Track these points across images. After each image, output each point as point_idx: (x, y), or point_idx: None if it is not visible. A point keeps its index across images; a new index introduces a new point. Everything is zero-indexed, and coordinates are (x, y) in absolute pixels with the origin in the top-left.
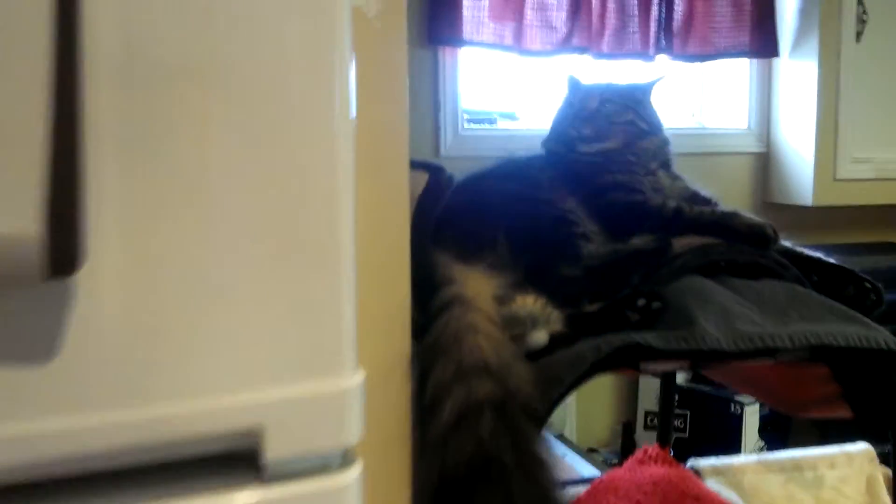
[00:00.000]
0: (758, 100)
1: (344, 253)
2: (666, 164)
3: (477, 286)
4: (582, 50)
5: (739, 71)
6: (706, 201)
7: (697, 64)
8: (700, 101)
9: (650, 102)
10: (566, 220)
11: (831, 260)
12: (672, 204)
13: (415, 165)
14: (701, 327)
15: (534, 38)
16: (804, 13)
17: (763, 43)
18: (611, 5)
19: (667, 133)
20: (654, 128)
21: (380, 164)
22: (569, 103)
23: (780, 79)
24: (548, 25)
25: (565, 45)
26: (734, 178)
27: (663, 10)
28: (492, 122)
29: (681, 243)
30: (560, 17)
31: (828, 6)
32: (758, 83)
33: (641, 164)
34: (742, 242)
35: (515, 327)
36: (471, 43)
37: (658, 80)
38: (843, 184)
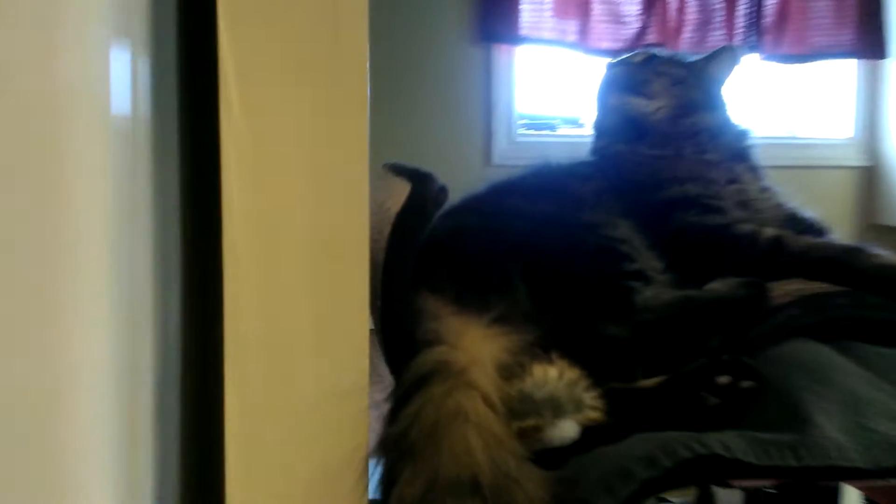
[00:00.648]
0: (865, 107)
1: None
2: (752, 168)
3: (475, 348)
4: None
5: (843, 75)
6: (812, 227)
7: (793, 65)
8: (795, 109)
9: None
10: (614, 252)
11: None
12: (769, 232)
13: (397, 171)
14: (818, 428)
15: (601, 34)
16: None
17: (870, 42)
18: None
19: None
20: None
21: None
22: (621, 86)
23: (891, 83)
24: (617, 20)
25: (638, 41)
26: (833, 195)
27: (753, 2)
28: (552, 127)
29: (783, 290)
30: (632, 10)
31: None
32: (864, 88)
33: (723, 167)
34: (873, 291)
35: (528, 416)
36: (529, 40)
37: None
38: None
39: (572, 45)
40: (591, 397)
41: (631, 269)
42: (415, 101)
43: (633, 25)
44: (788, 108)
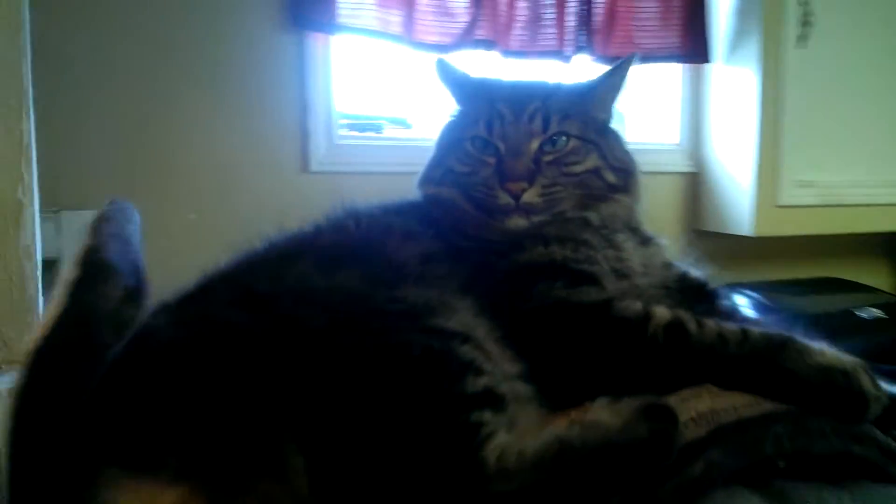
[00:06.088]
0: (689, 112)
1: None
2: (631, 223)
3: None
4: (487, 45)
5: (671, 79)
6: (705, 291)
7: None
8: (631, 114)
9: (609, 118)
10: (449, 360)
11: None
12: (664, 315)
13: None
14: None
15: (428, 27)
16: (742, 13)
17: (693, 45)
18: None
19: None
20: (622, 168)
21: None
22: (466, 116)
23: (713, 88)
24: (446, 13)
25: (466, 37)
26: (659, 201)
27: (583, 1)
28: (378, 129)
29: (691, 411)
30: (460, 3)
31: (769, 4)
32: (689, 93)
33: (602, 226)
34: (811, 406)
35: None
36: (348, 29)
37: (607, 77)
38: (786, 211)
39: (396, 38)
40: None
41: (476, 390)
42: (215, 98)
43: (462, 19)
44: (625, 113)
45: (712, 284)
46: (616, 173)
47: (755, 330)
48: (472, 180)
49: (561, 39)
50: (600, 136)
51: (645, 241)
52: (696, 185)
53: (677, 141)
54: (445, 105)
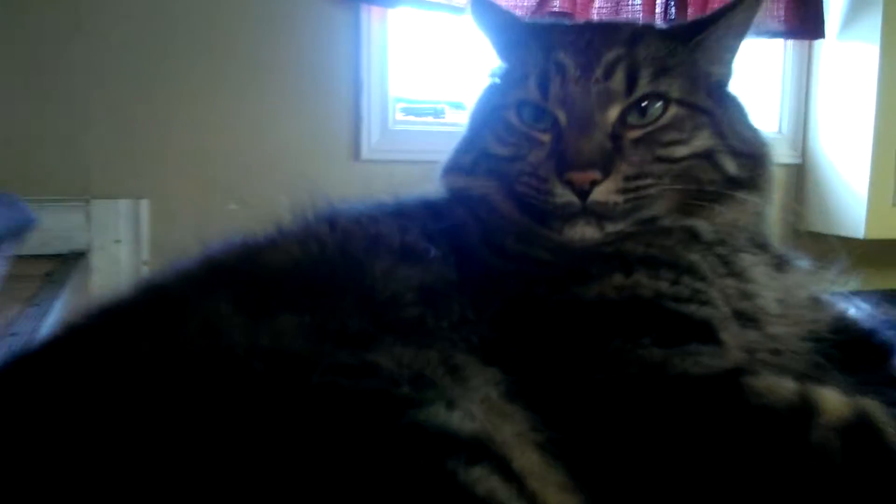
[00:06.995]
0: (793, 95)
1: None
2: (758, 237)
3: None
4: (563, 17)
5: (771, 57)
6: (879, 349)
7: None
8: None
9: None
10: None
11: None
12: (836, 408)
13: None
14: None
15: None
16: None
17: (803, 18)
18: None
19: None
20: (747, 153)
21: None
22: (510, 75)
23: (823, 69)
24: None
25: (541, 9)
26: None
27: None
28: (438, 113)
29: None
30: None
31: None
32: (794, 74)
33: (717, 241)
34: None
35: None
36: (409, 1)
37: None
38: None
39: (460, 10)
40: None
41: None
42: (260, 79)
43: None
44: None
45: (883, 333)
46: (739, 160)
47: None
48: (515, 168)
49: (649, 10)
50: (716, 102)
51: (780, 264)
52: (798, 179)
53: (777, 128)
54: (486, 63)
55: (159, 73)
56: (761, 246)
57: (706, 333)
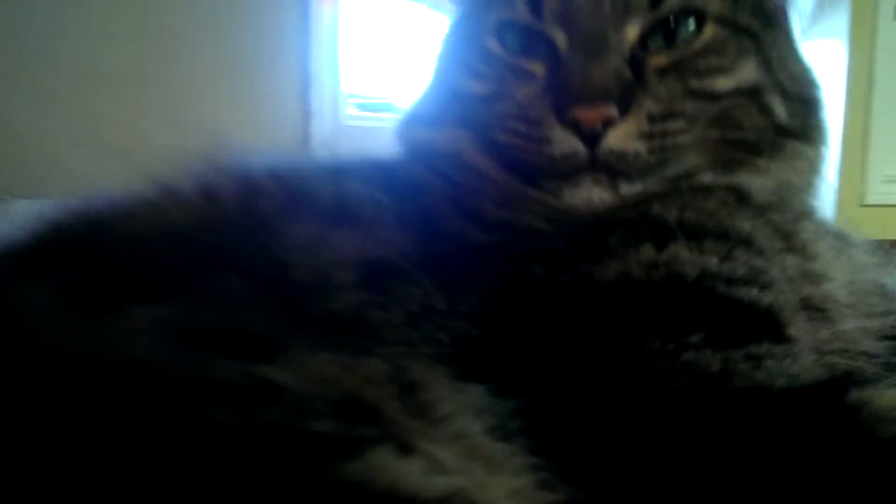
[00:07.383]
0: None
1: None
2: (806, 204)
3: None
4: None
5: None
6: None
7: None
8: None
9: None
10: None
11: None
12: None
13: None
14: None
15: None
16: None
17: None
18: None
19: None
20: (799, 96)
21: None
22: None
23: None
24: None
25: None
26: None
27: None
28: (393, 110)
29: None
30: None
31: None
32: None
33: (771, 206)
34: None
35: None
36: None
37: None
38: (872, 210)
39: None
40: None
41: None
42: (201, 64)
43: None
44: None
45: None
46: (788, 103)
47: None
48: (496, 110)
49: None
50: (764, 25)
51: (838, 239)
52: None
53: None
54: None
55: (83, 64)
56: (807, 214)
57: (775, 328)
